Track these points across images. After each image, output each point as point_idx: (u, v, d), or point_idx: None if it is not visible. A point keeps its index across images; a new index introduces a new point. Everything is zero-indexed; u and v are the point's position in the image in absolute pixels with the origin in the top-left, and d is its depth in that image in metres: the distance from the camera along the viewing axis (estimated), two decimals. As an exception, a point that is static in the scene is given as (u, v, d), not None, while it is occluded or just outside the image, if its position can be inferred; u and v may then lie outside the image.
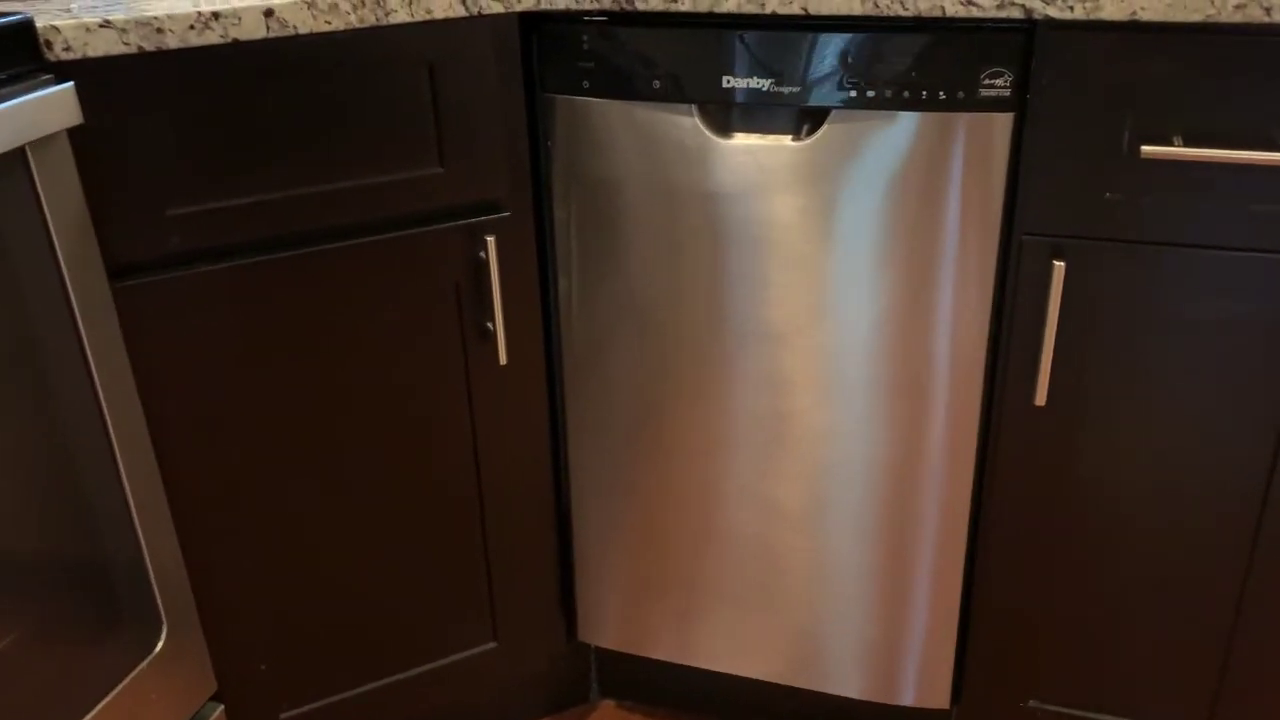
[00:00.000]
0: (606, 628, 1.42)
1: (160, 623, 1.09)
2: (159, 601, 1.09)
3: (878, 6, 1.00)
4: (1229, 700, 1.17)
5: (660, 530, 1.32)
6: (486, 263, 1.16)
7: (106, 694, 1.04)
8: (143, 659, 1.08)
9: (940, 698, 1.31)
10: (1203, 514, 1.10)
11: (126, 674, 1.06)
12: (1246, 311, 1.01)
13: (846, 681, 1.33)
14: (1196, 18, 0.92)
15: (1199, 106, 0.95)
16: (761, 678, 1.37)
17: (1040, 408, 1.10)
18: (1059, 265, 1.03)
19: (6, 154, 0.87)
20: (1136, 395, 1.07)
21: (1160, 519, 1.12)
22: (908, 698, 1.32)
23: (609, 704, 1.56)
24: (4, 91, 0.87)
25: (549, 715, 1.54)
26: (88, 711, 1.02)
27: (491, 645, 1.38)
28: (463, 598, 1.33)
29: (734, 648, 1.37)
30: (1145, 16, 0.93)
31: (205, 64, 0.99)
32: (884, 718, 1.42)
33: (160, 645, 1.09)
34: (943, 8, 0.98)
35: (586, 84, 1.13)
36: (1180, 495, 1.10)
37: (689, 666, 1.41)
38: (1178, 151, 0.96)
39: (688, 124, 1.11)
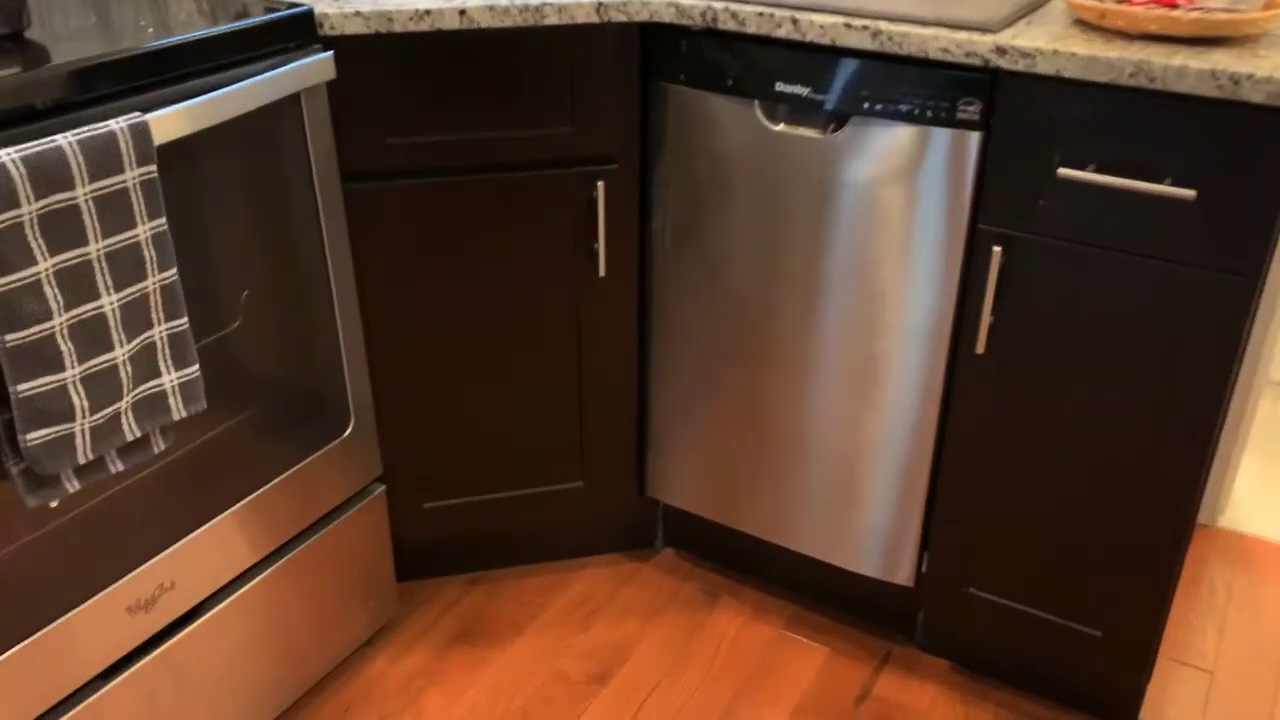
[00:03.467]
0: (672, 488, 1.87)
1: (350, 418, 1.61)
2: (351, 405, 1.61)
3: (882, 46, 1.36)
4: (1122, 598, 1.50)
5: (726, 420, 1.75)
6: (596, 200, 1.61)
7: (307, 458, 1.57)
8: (336, 439, 1.60)
9: (908, 577, 1.69)
10: (1104, 446, 1.43)
11: (323, 447, 1.59)
12: (1134, 298, 1.33)
13: (851, 558, 1.73)
14: (1103, 78, 1.24)
15: (1107, 141, 1.28)
16: (793, 548, 1.78)
17: (980, 354, 1.45)
18: (996, 250, 1.38)
19: (289, 96, 1.37)
20: (1053, 351, 1.41)
21: (1069, 449, 1.46)
22: (886, 574, 1.71)
23: (669, 552, 2.02)
24: (290, 55, 1.37)
25: (619, 552, 2.01)
26: (294, 466, 1.55)
27: (579, 484, 1.85)
28: (561, 445, 1.81)
29: (775, 522, 1.78)
30: (1067, 74, 1.26)
31: (418, 44, 1.47)
32: (866, 587, 1.81)
33: (348, 433, 1.62)
34: (925, 52, 1.34)
35: (683, 76, 1.55)
36: (1087, 430, 1.44)
37: (738, 530, 1.84)
38: (1083, 175, 1.29)
39: (750, 114, 1.51)
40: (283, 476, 1.53)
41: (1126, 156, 1.27)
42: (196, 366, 1.25)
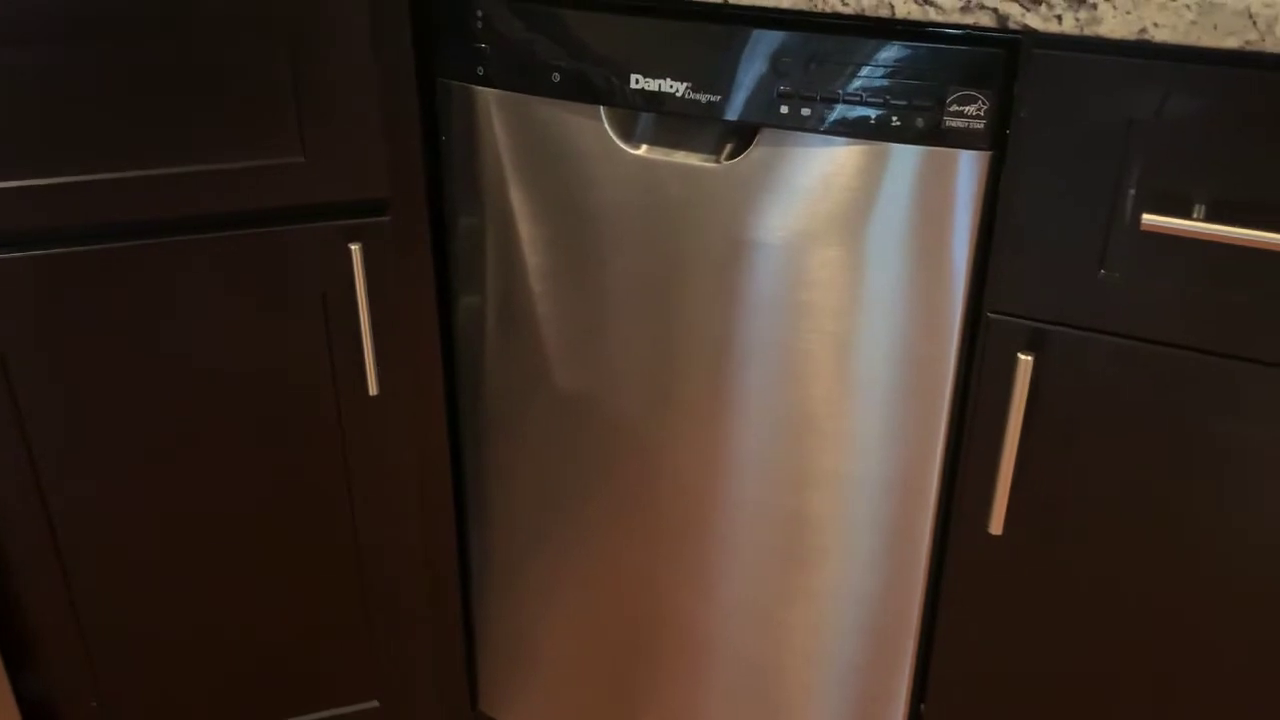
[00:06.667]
0: (515, 702, 1.23)
1: (-63, 650, 0.96)
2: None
3: (811, 1, 0.76)
4: None
5: (590, 606, 1.12)
6: (353, 273, 0.98)
7: None
8: (-87, 689, 0.94)
9: None
10: (1186, 668, 0.83)
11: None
12: (1266, 438, 0.74)
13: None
14: (1231, 43, 0.65)
15: (1232, 166, 0.69)
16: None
17: (996, 536, 0.85)
18: (1024, 360, 0.77)
19: None
20: (1116, 526, 0.81)
21: (1128, 670, 0.86)
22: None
23: (523, 776, 1.37)
24: None
25: (450, 781, 1.36)
26: None
27: (373, 704, 1.21)
28: (338, 649, 1.16)
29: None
30: (1161, 36, 0.67)
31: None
32: None
33: (-62, 675, 0.96)
34: (891, 6, 0.74)
35: (481, 70, 0.93)
36: (1149, 649, 0.84)
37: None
38: (1191, 226, 0.69)
39: (594, 129, 0.90)
40: None
41: (1270, 192, 0.68)
42: None
